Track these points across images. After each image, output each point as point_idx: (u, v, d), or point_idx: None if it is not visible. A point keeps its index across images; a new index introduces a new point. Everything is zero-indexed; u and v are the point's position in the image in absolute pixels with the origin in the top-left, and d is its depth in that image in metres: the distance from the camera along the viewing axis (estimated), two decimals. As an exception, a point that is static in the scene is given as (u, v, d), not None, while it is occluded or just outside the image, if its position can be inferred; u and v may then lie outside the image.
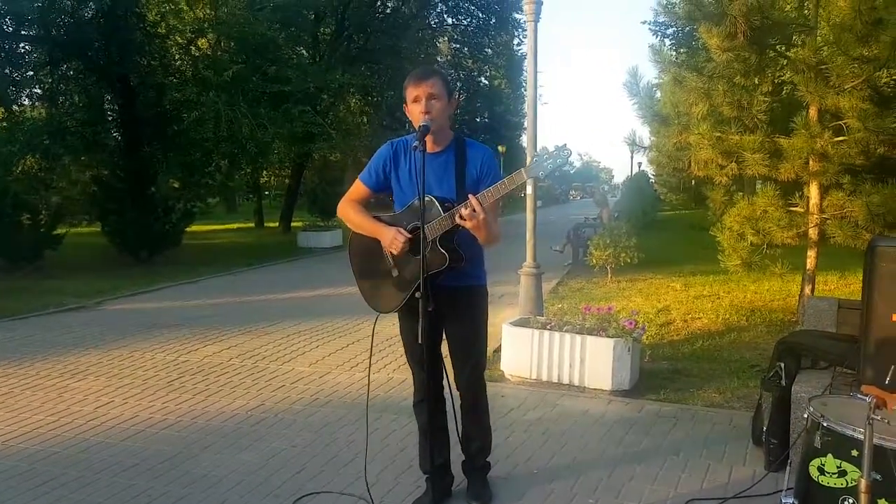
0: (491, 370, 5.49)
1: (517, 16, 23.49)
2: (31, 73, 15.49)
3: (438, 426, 3.17)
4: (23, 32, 14.11)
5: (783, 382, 3.49)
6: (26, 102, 16.70)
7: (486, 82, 34.86)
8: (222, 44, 16.38)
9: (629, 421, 4.42)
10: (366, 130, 24.28)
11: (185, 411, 4.73)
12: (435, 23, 25.16)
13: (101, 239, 15.09)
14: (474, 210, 2.61)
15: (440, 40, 27.87)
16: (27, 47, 15.05)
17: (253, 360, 6.20)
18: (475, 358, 3.10)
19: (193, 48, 16.79)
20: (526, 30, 6.66)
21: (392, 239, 2.84)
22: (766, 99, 6.82)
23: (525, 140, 7.81)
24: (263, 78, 14.18)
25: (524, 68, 29.91)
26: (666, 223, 25.11)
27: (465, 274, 2.96)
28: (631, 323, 5.01)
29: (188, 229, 16.01)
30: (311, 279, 11.89)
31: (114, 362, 6.14)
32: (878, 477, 2.10)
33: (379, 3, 22.75)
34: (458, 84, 33.98)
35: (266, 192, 37.35)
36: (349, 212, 3.07)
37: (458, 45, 28.24)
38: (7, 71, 14.30)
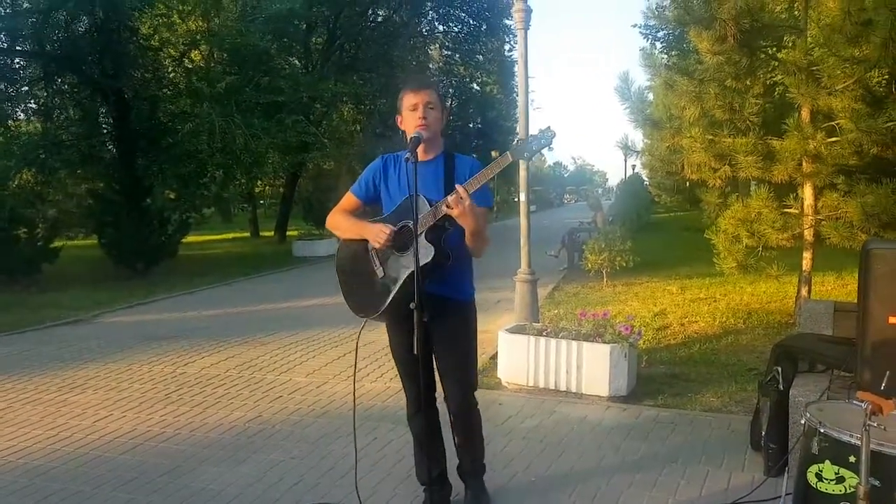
0: (488, 378, 5.48)
1: (507, 22, 23.52)
2: (26, 88, 15.48)
3: (434, 437, 3.15)
4: (17, 48, 14.09)
5: (780, 387, 3.48)
6: (21, 117, 16.68)
7: (478, 88, 34.89)
8: (215, 55, 16.39)
9: (627, 427, 4.40)
10: (359, 138, 24.28)
11: (183, 424, 4.70)
12: (426, 30, 25.21)
13: (98, 251, 15.04)
14: (461, 197, 2.62)
15: (432, 47, 27.89)
16: (22, 62, 15.04)
17: (250, 370, 6.17)
18: (465, 377, 3.06)
19: (187, 60, 16.80)
20: (517, 35, 6.65)
21: (377, 232, 2.82)
22: (758, 101, 6.84)
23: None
24: (257, 89, 14.19)
25: (515, 73, 29.99)
26: (661, 225, 25.15)
27: (453, 285, 2.93)
28: (627, 328, 4.99)
29: (184, 240, 15.99)
30: (306, 288, 11.86)
31: (111, 375, 6.11)
32: (877, 483, 2.09)
33: (370, 12, 22.77)
34: (451, 90, 34.03)
35: (261, 202, 37.32)
36: (337, 218, 3.07)
37: (449, 52, 28.27)
38: (2, 87, 14.28)
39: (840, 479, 2.27)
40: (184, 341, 7.49)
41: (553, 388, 5.09)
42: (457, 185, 2.66)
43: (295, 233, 22.19)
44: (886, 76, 6.35)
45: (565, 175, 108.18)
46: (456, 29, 25.02)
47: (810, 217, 6.53)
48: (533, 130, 2.83)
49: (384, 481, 3.63)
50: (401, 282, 2.78)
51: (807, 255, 6.71)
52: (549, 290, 10.22)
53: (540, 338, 5.16)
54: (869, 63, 5.61)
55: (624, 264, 10.55)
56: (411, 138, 2.74)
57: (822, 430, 2.33)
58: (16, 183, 14.46)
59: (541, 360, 5.13)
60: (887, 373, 2.50)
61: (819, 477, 2.32)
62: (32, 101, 16.09)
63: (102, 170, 15.84)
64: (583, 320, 5.26)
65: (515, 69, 28.62)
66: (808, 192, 6.57)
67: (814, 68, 6.00)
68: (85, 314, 9.46)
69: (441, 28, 25.23)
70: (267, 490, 3.58)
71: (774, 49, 7.11)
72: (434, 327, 2.89)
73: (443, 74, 29.82)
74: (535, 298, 6.75)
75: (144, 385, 5.76)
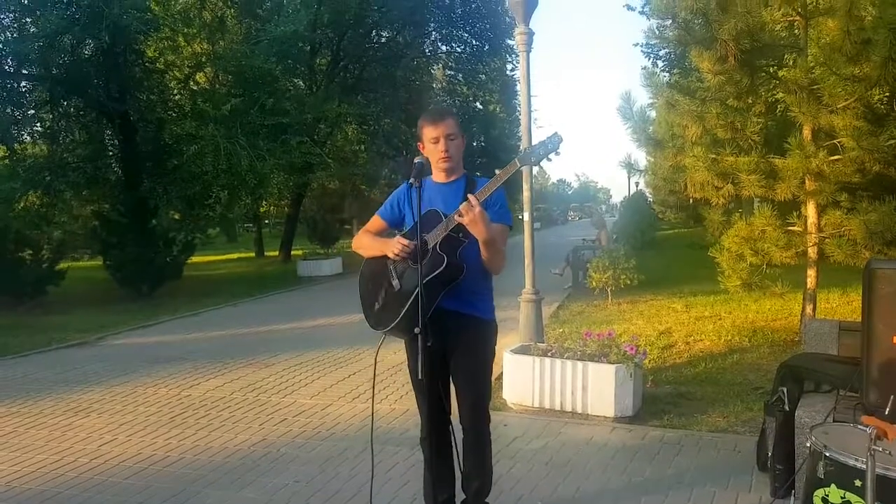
0: (493, 399, 5.45)
1: (509, 42, 23.69)
2: (32, 111, 15.59)
3: (443, 462, 3.14)
4: (24, 72, 14.22)
5: (786, 407, 3.47)
6: (27, 139, 16.80)
7: (481, 107, 35.06)
8: (220, 77, 16.51)
9: (633, 448, 4.38)
10: (363, 158, 24.38)
11: (188, 447, 4.70)
12: (429, 51, 25.36)
13: (103, 273, 15.09)
14: (471, 205, 2.67)
15: (435, 67, 28.08)
16: (28, 86, 15.17)
17: (255, 393, 6.17)
18: (480, 393, 3.08)
19: (192, 83, 16.92)
20: (518, 55, 6.70)
21: (395, 243, 2.93)
22: (760, 120, 6.88)
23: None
24: (261, 110, 14.26)
25: (518, 92, 30.14)
26: (665, 242, 25.12)
27: (469, 302, 2.97)
28: (632, 348, 4.99)
29: (189, 261, 16.02)
30: (311, 308, 11.87)
31: (116, 399, 6.12)
32: (884, 506, 2.08)
33: (374, 34, 22.95)
34: (454, 110, 34.12)
35: (266, 221, 37.45)
36: (363, 238, 3.20)
37: (452, 72, 28.42)
38: (9, 110, 14.39)
39: None
40: (188, 363, 7.50)
41: (559, 408, 5.09)
42: (468, 195, 2.72)
43: (300, 252, 22.23)
44: (887, 94, 6.38)
45: (569, 192, 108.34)
46: (459, 49, 25.15)
47: (814, 235, 6.53)
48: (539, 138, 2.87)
49: (390, 505, 3.62)
50: (414, 295, 2.81)
51: (811, 273, 6.71)
52: (553, 308, 10.22)
53: (545, 358, 5.16)
54: (869, 81, 5.64)
55: (628, 282, 10.55)
56: (414, 164, 2.83)
57: (827, 454, 2.32)
58: (21, 205, 14.53)
59: (546, 381, 5.13)
60: (892, 397, 2.49)
61: (825, 501, 2.32)
62: (38, 125, 16.21)
63: (108, 191, 15.90)
64: (588, 340, 5.25)
65: (518, 88, 28.82)
66: (811, 210, 6.58)
67: (815, 87, 6.04)
68: (90, 337, 9.48)
69: (444, 48, 25.40)
70: (272, 514, 3.58)
71: (775, 68, 7.15)
72: (450, 344, 2.98)
73: (446, 94, 29.99)
74: (540, 318, 6.73)
75: (149, 408, 5.77)
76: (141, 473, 4.24)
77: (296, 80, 19.44)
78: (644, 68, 20.32)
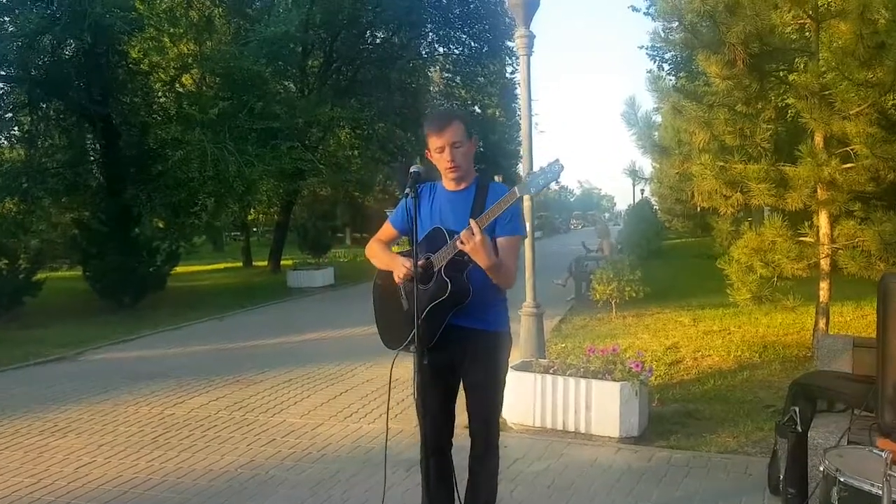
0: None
1: (509, 44, 23.75)
2: (10, 114, 15.58)
3: (441, 486, 3.13)
4: (1, 73, 14.23)
5: (799, 428, 3.47)
6: (4, 144, 16.78)
7: (480, 111, 35.16)
8: (207, 80, 16.52)
9: (639, 470, 4.38)
10: (356, 164, 24.42)
11: (171, 470, 4.68)
12: (426, 53, 25.42)
13: (83, 284, 15.05)
14: (472, 233, 2.68)
15: (432, 70, 28.15)
16: (6, 88, 15.18)
17: (241, 411, 6.15)
18: (492, 407, 3.11)
19: (178, 85, 16.92)
20: (518, 58, 6.73)
21: (399, 266, 2.96)
22: (770, 126, 6.91)
23: (522, 169, 7.86)
24: (250, 114, 14.28)
25: (518, 96, 30.22)
26: (672, 252, 25.17)
27: (479, 317, 3.00)
28: (638, 365, 4.99)
29: (173, 271, 15.98)
30: (302, 322, 11.85)
31: (95, 418, 6.09)
32: (901, 533, 2.08)
33: (368, 34, 23.02)
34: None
35: (254, 229, 37.43)
36: (374, 248, 3.25)
37: (449, 75, 28.51)
38: (-15, 114, 14.42)
39: (862, 530, 2.26)
40: (172, 380, 7.47)
41: (561, 428, 5.08)
42: (470, 220, 2.72)
43: (290, 262, 22.22)
44: (902, 101, 6.40)
45: (571, 200, 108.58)
46: (457, 51, 25.21)
47: (826, 246, 6.54)
48: (539, 161, 2.90)
49: (383, 531, 3.60)
50: (421, 317, 2.83)
51: (823, 286, 6.72)
52: (555, 322, 10.22)
53: (547, 375, 5.16)
54: (883, 87, 5.67)
55: (633, 294, 10.55)
56: (410, 173, 2.83)
57: (841, 479, 2.32)
58: (-3, 213, 14.53)
59: (548, 399, 5.13)
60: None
61: (840, 527, 2.31)
62: (16, 128, 16.19)
63: (88, 198, 15.88)
64: (591, 356, 5.25)
65: (518, 91, 28.90)
66: (823, 220, 6.60)
67: (826, 92, 6.06)
68: (68, 351, 9.44)
69: (441, 50, 25.46)
70: (260, 541, 3.56)
71: (785, 72, 7.18)
72: (460, 357, 3.02)
73: (443, 97, 30.08)
74: (542, 332, 6.73)
75: (130, 428, 5.74)
76: (122, 497, 4.22)
77: (286, 83, 19.48)
78: (649, 71, 20.47)
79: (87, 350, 9.61)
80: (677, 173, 7.41)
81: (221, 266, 26.69)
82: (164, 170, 14.78)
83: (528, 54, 6.13)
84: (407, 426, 5.27)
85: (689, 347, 8.06)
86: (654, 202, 30.04)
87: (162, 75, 16.33)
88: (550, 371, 5.23)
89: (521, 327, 6.71)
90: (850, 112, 5.92)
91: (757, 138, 6.68)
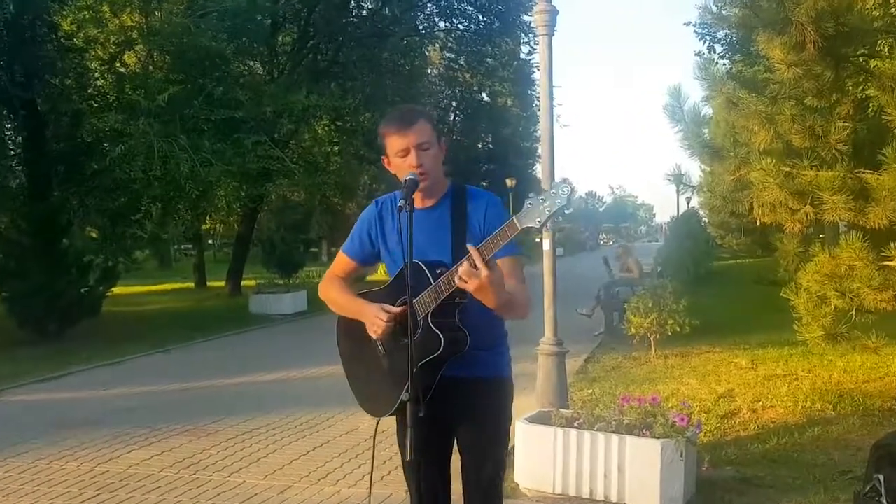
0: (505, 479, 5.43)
1: (526, 18, 23.82)
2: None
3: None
4: None
5: (884, 501, 3.45)
6: None
7: (489, 99, 35.36)
8: (155, 59, 16.65)
9: (685, 550, 4.35)
10: (336, 163, 24.49)
11: (103, 544, 4.66)
12: (424, 28, 25.62)
13: (-2, 308, 15.10)
14: (475, 266, 2.49)
15: (430, 49, 28.31)
16: None
17: (192, 469, 6.14)
18: (492, 472, 3.07)
19: (119, 64, 17.04)
20: (537, 36, 6.76)
21: (373, 319, 2.83)
22: (847, 124, 6.91)
23: (540, 171, 7.87)
24: (208, 101, 14.38)
25: (536, 81, 30.27)
26: (725, 275, 25.23)
27: (481, 362, 2.95)
28: (683, 418, 4.97)
29: (110, 293, 16.00)
30: (267, 357, 11.86)
31: (11, 476, 6.06)
32: None
33: (352, 5, 23.21)
34: (454, 103, 34.37)
35: (210, 242, 37.58)
36: (330, 290, 3.12)
37: (452, 55, 28.66)
38: None
39: None
40: (106, 429, 7.45)
41: (587, 496, 5.06)
42: (469, 248, 2.52)
43: (252, 282, 22.22)
44: None
45: (600, 209, 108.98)
46: (461, 26, 25.39)
47: (918, 273, 6.54)
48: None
49: None
50: (409, 378, 2.71)
51: (914, 322, 6.71)
52: (580, 361, 10.22)
53: (570, 430, 5.14)
54: None
55: (678, 329, 10.53)
56: (406, 180, 2.77)
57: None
58: None
59: (571, 460, 5.10)
60: None
61: None
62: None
63: (7, 202, 15.91)
64: (625, 406, 5.23)
65: (536, 76, 28.97)
66: (914, 241, 6.60)
67: (917, 83, 6.08)
68: (-22, 392, 9.45)
69: (442, 25, 25.65)
70: None
71: (866, 58, 7.21)
72: (454, 412, 2.96)
73: (444, 82, 30.28)
74: (563, 376, 6.72)
75: (53, 489, 5.72)
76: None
77: (252, 64, 19.67)
78: (698, 54, 20.53)
79: (2, 390, 9.59)
80: (732, 180, 7.41)
81: (169, 287, 26.75)
82: (101, 168, 14.84)
83: (550, 34, 6.17)
84: (396, 491, 5.24)
85: (746, 396, 8.04)
86: (703, 214, 30.15)
87: (100, 52, 16.43)
88: (574, 424, 5.21)
89: (538, 369, 6.71)
90: (948, 108, 5.94)
91: (831, 139, 6.68)
